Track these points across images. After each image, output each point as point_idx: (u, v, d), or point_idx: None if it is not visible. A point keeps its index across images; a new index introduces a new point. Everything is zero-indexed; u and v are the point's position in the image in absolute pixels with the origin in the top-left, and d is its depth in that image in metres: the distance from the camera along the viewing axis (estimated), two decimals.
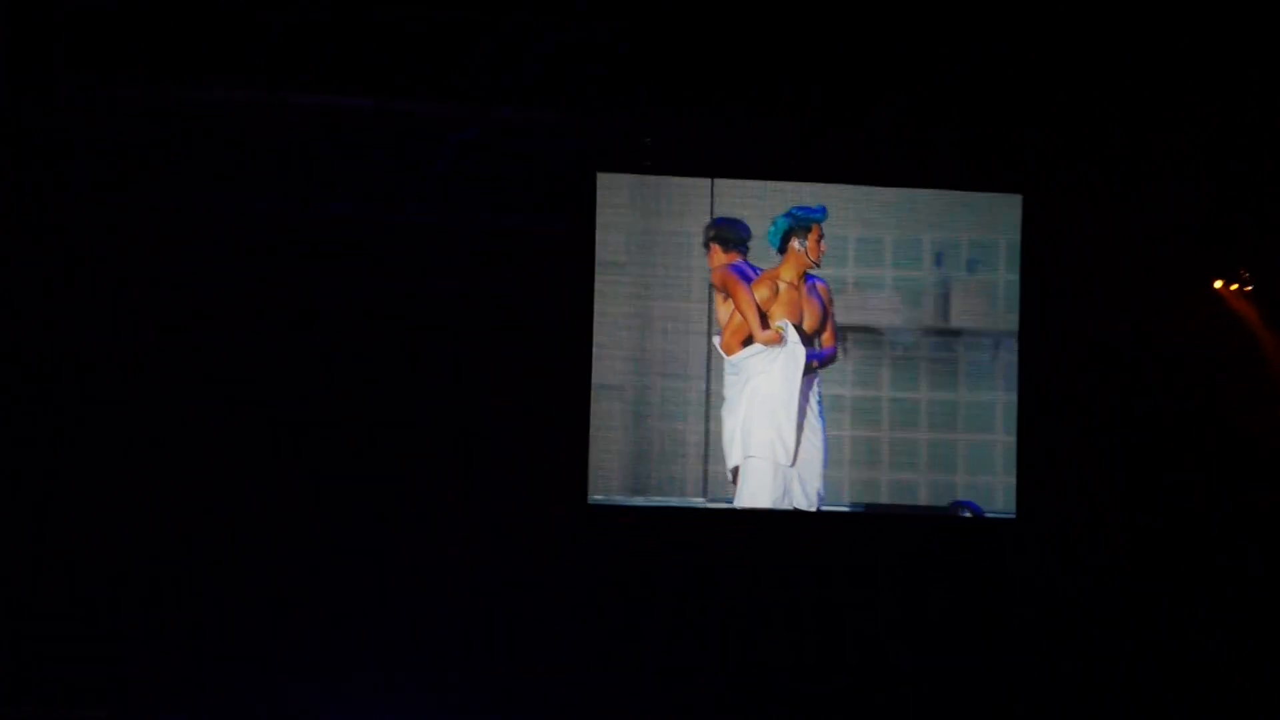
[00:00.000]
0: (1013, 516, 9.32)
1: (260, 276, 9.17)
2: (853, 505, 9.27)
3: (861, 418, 9.26)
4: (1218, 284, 9.85)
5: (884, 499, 9.31)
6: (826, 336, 9.21)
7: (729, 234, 9.16)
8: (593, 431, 9.08)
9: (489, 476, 9.27)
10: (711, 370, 9.17)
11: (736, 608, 9.43)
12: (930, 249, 9.35)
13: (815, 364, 9.18)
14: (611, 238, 9.14)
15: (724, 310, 9.15)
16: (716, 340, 9.14)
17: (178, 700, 8.87)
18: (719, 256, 9.16)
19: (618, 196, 9.16)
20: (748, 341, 9.11)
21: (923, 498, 9.34)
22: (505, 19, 8.22)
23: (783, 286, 9.16)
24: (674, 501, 9.14)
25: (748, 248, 9.16)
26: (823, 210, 9.19)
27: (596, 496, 9.12)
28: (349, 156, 8.93)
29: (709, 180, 9.22)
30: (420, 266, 9.24)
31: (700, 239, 9.19)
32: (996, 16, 8.43)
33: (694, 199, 9.22)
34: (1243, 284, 9.87)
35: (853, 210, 9.28)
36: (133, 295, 9.08)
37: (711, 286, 9.18)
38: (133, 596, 8.96)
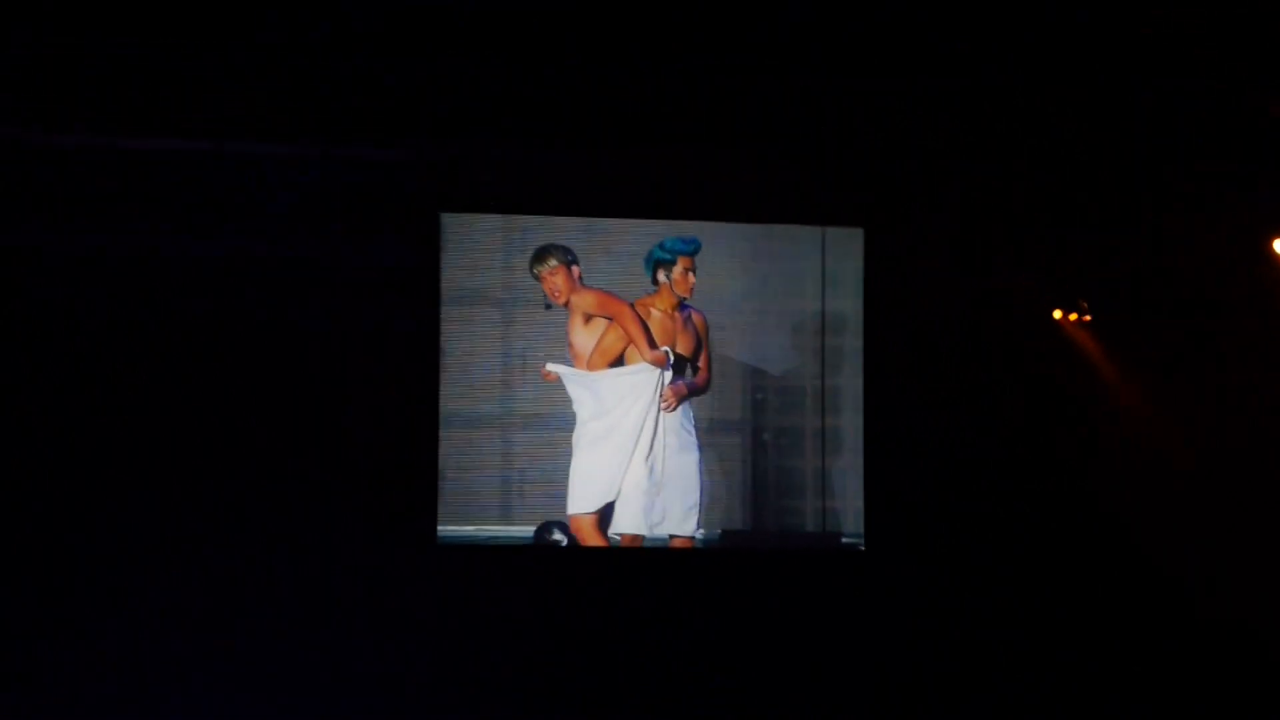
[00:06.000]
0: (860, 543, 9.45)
1: (109, 316, 9.15)
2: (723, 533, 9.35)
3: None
4: (1057, 314, 10.08)
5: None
6: (701, 366, 9.31)
7: (568, 256, 9.22)
8: (467, 462, 9.13)
9: (340, 509, 9.24)
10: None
11: (597, 649, 9.44)
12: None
13: (685, 390, 9.26)
14: (461, 274, 9.21)
15: (584, 333, 9.21)
16: (560, 366, 9.17)
17: None
18: (567, 279, 9.19)
19: (468, 233, 9.25)
20: (615, 364, 9.20)
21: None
22: (348, 60, 8.31)
23: (657, 314, 9.26)
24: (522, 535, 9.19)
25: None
26: (693, 243, 9.30)
27: (448, 529, 9.10)
28: (187, 198, 8.95)
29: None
30: (269, 302, 9.24)
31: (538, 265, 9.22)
32: (841, 51, 8.54)
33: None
34: (1081, 314, 10.08)
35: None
36: None
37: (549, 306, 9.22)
38: None
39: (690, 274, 9.29)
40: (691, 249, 9.29)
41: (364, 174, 8.97)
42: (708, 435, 9.33)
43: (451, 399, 9.16)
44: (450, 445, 9.15)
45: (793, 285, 9.51)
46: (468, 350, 9.19)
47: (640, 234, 9.34)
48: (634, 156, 9.06)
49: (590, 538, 9.16)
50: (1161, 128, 8.96)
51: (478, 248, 9.26)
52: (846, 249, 9.54)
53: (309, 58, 8.31)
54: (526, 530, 9.21)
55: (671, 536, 9.25)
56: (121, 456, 9.11)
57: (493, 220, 9.27)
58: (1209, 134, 8.95)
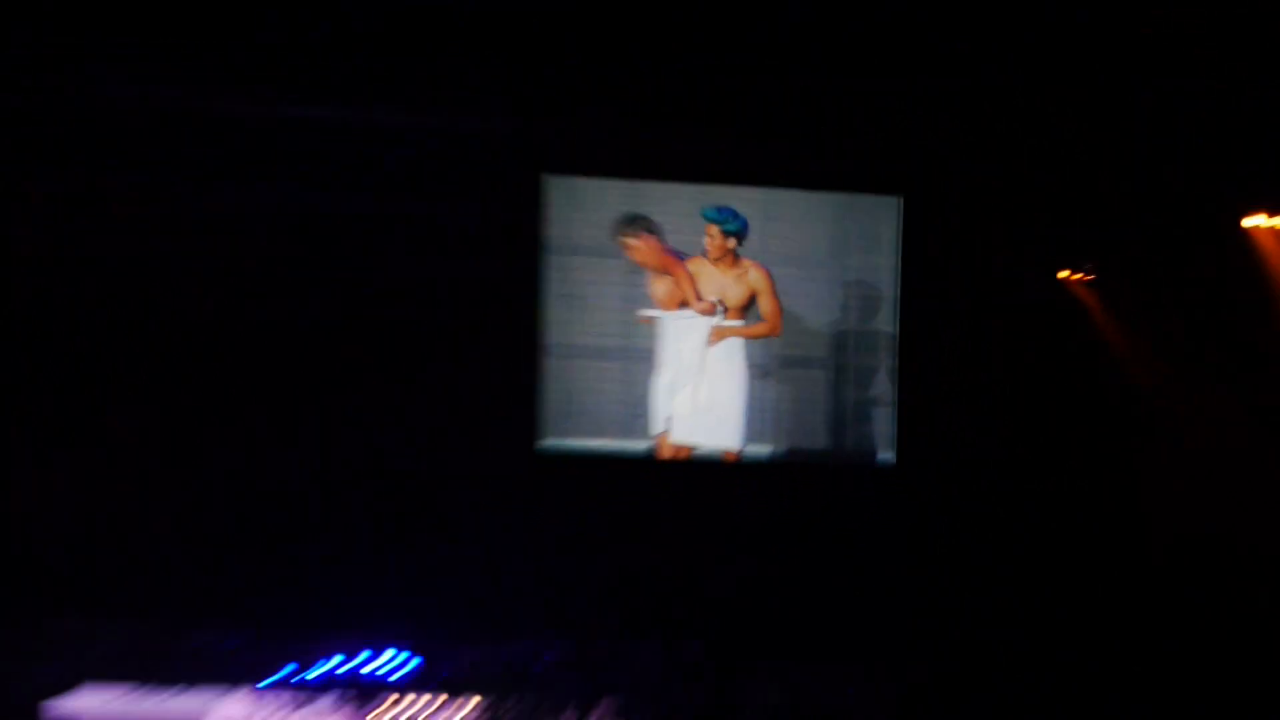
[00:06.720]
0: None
1: (242, 266, 10.27)
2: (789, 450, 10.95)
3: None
4: (1063, 274, 11.15)
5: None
6: (768, 313, 10.81)
7: (649, 224, 10.76)
8: (596, 386, 10.72)
9: (453, 424, 10.62)
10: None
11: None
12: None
13: (729, 331, 10.82)
14: (590, 230, 10.72)
15: (659, 285, 10.81)
16: (652, 310, 10.78)
17: None
18: (649, 242, 10.75)
19: (596, 195, 10.74)
20: (682, 307, 10.84)
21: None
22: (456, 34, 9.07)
23: (707, 269, 10.86)
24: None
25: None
26: (712, 211, 10.79)
27: (577, 441, 10.66)
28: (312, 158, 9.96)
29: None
30: (395, 253, 10.49)
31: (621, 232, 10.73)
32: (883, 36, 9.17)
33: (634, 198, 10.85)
34: (1086, 275, 11.14)
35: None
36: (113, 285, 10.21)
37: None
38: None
39: (715, 239, 10.77)
40: (713, 217, 10.79)
41: (478, 141, 10.12)
42: (785, 369, 10.88)
43: (580, 334, 10.72)
44: (582, 373, 10.74)
45: (870, 244, 10.94)
46: (597, 294, 10.78)
47: (719, 199, 10.85)
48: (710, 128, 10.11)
49: (665, 451, 10.86)
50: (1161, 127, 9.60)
51: (605, 209, 10.75)
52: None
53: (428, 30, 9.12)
54: (645, 444, 10.81)
55: (725, 451, 10.89)
56: (266, 384, 10.43)
57: (620, 185, 10.72)
58: (1209, 134, 9.48)
